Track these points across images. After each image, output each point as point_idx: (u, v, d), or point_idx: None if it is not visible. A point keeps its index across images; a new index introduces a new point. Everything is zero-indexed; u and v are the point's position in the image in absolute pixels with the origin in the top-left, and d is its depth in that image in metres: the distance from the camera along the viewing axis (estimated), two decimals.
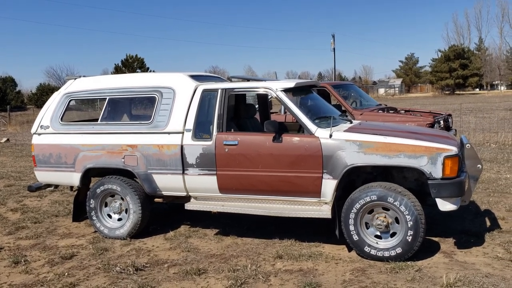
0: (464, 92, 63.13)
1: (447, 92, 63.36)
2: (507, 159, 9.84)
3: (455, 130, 8.91)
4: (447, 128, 8.41)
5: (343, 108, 8.25)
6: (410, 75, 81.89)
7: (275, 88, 4.90)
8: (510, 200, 6.46)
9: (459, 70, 62.73)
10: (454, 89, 63.71)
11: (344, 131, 4.67)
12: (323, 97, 8.33)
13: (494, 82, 72.78)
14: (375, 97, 59.65)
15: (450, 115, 9.11)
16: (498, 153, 10.71)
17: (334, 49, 54.12)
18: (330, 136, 4.54)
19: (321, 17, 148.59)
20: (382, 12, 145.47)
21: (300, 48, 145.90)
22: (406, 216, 4.28)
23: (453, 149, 4.29)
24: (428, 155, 4.26)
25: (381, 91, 70.79)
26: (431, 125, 7.65)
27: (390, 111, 8.74)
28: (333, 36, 53.75)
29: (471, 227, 5.37)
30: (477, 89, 69.16)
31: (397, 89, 72.29)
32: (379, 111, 8.63)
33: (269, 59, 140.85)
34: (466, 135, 13.35)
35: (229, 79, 5.92)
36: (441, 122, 8.17)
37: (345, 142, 4.49)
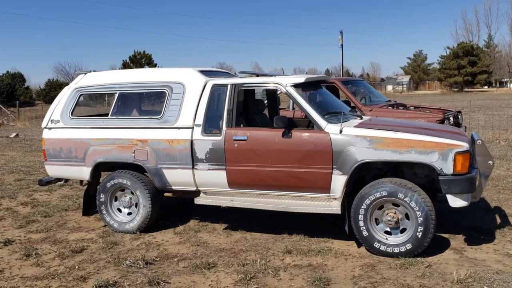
0: (472, 90, 62.64)
1: (455, 89, 62.89)
2: None
3: (465, 127, 8.84)
4: (457, 124, 8.35)
5: (352, 104, 8.23)
6: (418, 72, 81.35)
7: (285, 83, 4.89)
8: None
9: (468, 67, 62.19)
10: (463, 86, 63.20)
11: (355, 126, 4.66)
12: (333, 93, 8.32)
13: (503, 80, 72.08)
14: (383, 94, 59.30)
15: (459, 111, 9.05)
16: (508, 150, 10.63)
17: (342, 45, 53.95)
18: (340, 131, 4.53)
19: (329, 13, 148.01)
20: (391, 9, 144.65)
21: (307, 45, 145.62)
22: (416, 212, 4.26)
23: (464, 145, 4.27)
24: (439, 151, 4.23)
25: (389, 88, 70.46)
26: (441, 122, 7.60)
27: (400, 107, 8.70)
28: (341, 33, 53.59)
29: (481, 224, 5.34)
30: (486, 87, 68.61)
31: (405, 86, 71.92)
32: (389, 107, 8.59)
33: (276, 55, 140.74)
34: (476, 132, 13.27)
35: (236, 74, 5.91)
36: (451, 118, 8.12)
37: (355, 138, 4.47)
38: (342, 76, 59.13)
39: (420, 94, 59.40)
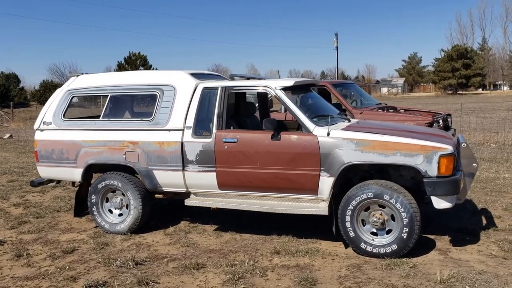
0: (466, 92, 63.03)
1: (449, 92, 63.28)
2: (507, 158, 9.89)
3: (454, 129, 8.96)
4: (446, 127, 8.47)
5: (343, 107, 8.32)
6: (413, 74, 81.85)
7: (274, 86, 4.96)
8: (507, 199, 6.52)
9: (462, 70, 62.60)
10: (457, 88, 63.62)
11: (342, 129, 4.74)
12: (324, 96, 8.41)
13: (497, 82, 72.69)
14: (378, 96, 59.73)
15: (449, 114, 9.17)
16: (497, 152, 10.76)
17: (337, 47, 54.27)
18: (328, 134, 4.61)
19: (324, 15, 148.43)
20: (386, 11, 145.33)
21: (303, 47, 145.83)
22: (401, 213, 4.34)
23: (449, 148, 4.35)
24: (424, 154, 4.32)
25: (384, 90, 70.83)
26: (430, 125, 7.71)
27: (390, 110, 8.81)
28: (336, 35, 53.89)
29: (467, 225, 5.43)
30: (480, 89, 69.09)
31: (399, 88, 72.29)
32: (379, 110, 8.70)
33: (272, 57, 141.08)
34: (466, 134, 13.42)
35: (232, 78, 5.97)
36: (440, 121, 8.23)
37: (342, 140, 4.55)
38: (337, 78, 59.41)
39: (415, 96, 59.71)
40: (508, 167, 8.94)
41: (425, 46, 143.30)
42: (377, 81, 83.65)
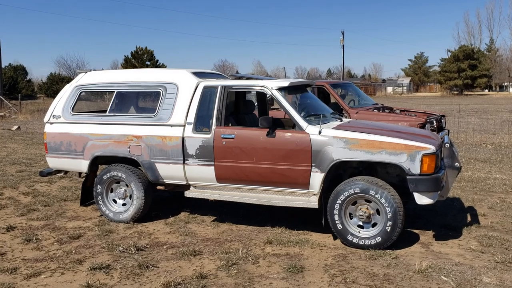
0: (472, 93, 63.04)
1: (455, 92, 63.31)
2: (500, 160, 10.14)
3: (448, 130, 9.21)
4: (440, 128, 8.73)
5: (340, 107, 8.61)
6: (419, 74, 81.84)
7: (270, 86, 5.26)
8: (494, 198, 6.79)
9: (468, 70, 62.56)
10: (462, 89, 63.62)
11: (333, 128, 5.04)
12: (323, 96, 8.73)
13: (503, 84, 72.53)
14: (383, 95, 59.84)
15: (443, 116, 9.44)
16: (492, 154, 11.00)
17: (343, 46, 54.49)
18: (319, 132, 4.91)
19: (332, 13, 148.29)
20: (393, 10, 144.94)
21: (310, 45, 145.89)
22: (386, 208, 4.64)
23: (431, 148, 4.64)
24: (408, 153, 4.61)
25: (389, 89, 70.88)
26: (422, 125, 7.98)
27: (386, 111, 9.08)
28: (343, 33, 54.12)
29: (452, 221, 5.71)
30: (486, 90, 69.00)
31: (405, 87, 72.33)
32: (374, 110, 8.97)
33: (278, 54, 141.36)
34: (464, 135, 13.66)
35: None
36: (434, 122, 8.49)
37: (332, 139, 4.85)
38: (343, 76, 59.66)
39: (420, 96, 59.72)
40: (501, 168, 9.19)
41: (432, 46, 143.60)
42: (384, 80, 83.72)
